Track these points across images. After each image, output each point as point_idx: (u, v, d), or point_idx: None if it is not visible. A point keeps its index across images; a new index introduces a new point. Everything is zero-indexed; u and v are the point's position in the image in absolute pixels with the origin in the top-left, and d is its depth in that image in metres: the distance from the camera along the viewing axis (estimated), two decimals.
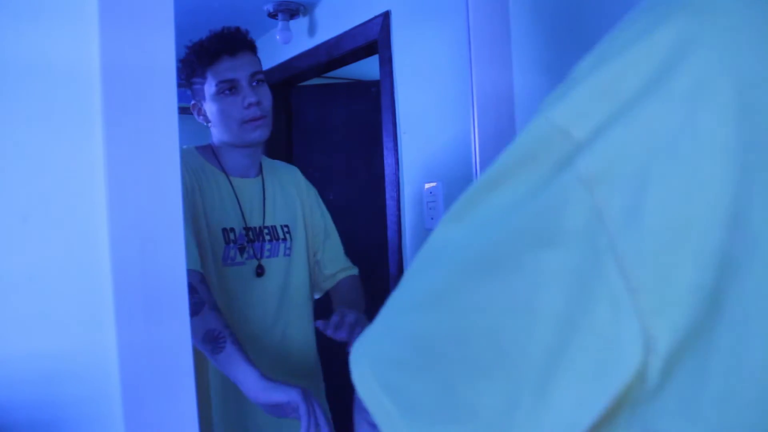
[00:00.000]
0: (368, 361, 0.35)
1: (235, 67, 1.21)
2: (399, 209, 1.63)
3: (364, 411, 0.35)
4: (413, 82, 1.56)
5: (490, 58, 1.14)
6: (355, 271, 1.44)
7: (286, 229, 1.31)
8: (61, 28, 0.76)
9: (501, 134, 1.16)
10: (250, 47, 1.25)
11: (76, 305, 0.75)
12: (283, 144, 2.37)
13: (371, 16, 1.68)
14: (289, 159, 2.34)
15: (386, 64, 1.62)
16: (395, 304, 0.37)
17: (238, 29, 1.24)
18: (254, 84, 1.23)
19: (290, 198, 1.36)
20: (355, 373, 0.35)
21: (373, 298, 1.43)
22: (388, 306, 0.37)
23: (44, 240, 0.77)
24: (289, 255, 1.30)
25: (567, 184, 0.30)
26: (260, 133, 1.24)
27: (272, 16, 2.01)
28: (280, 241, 1.30)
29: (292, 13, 2.01)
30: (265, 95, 1.25)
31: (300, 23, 2.06)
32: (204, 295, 1.07)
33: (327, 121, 2.41)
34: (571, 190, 0.30)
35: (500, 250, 0.32)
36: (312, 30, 2.04)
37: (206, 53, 1.21)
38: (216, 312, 1.07)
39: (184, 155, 1.24)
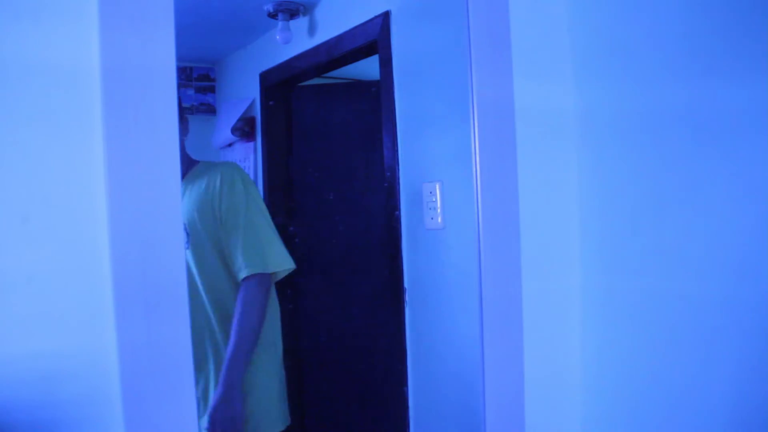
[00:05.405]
0: None
1: None
2: (399, 209, 1.63)
3: None
4: (413, 82, 1.56)
5: (490, 58, 1.14)
6: (245, 272, 1.35)
7: (185, 226, 1.41)
8: (61, 28, 0.76)
9: (501, 134, 1.16)
10: None
11: (76, 305, 0.75)
12: (283, 144, 2.37)
13: (371, 16, 1.67)
14: (288, 159, 2.34)
15: (386, 64, 1.62)
16: None
17: None
18: None
19: (197, 195, 1.43)
20: None
21: (372, 298, 1.43)
22: None
23: (44, 240, 0.77)
24: (188, 248, 1.42)
25: None
26: None
27: (272, 16, 2.01)
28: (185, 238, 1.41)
29: (292, 13, 2.01)
30: None
31: (300, 23, 2.06)
32: None
33: (327, 121, 2.40)
34: None
35: None
36: (312, 30, 2.04)
37: None
38: None
39: None
